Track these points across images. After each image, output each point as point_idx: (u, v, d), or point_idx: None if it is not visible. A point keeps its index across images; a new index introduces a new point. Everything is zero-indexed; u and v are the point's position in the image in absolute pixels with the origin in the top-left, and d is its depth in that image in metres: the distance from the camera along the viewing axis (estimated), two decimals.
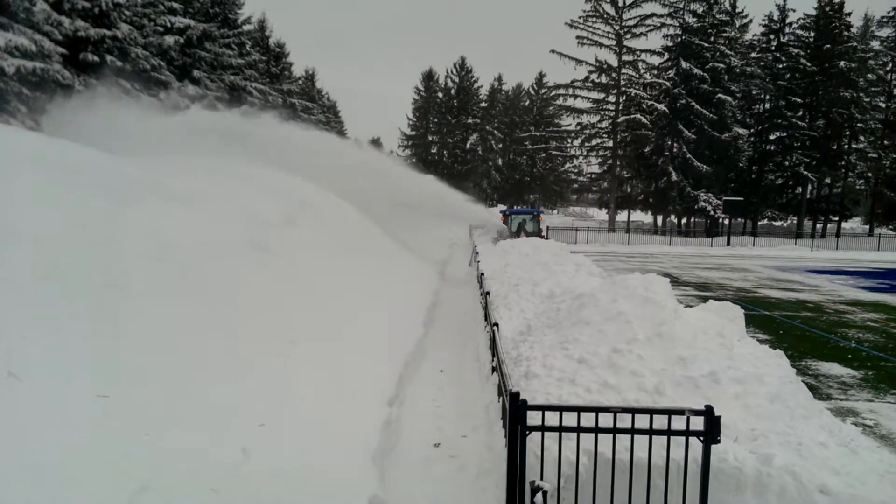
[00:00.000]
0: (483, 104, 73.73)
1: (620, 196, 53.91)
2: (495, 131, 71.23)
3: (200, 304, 6.33)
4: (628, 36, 50.92)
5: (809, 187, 49.75)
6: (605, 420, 3.92)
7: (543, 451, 3.98)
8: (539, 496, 3.87)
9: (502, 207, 44.83)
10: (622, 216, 56.37)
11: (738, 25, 51.91)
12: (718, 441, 3.90)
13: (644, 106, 48.09)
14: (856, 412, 7.46)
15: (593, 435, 3.96)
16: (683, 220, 52.63)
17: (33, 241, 5.64)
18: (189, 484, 3.86)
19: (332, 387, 5.91)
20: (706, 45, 46.49)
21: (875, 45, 51.40)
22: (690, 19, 48.11)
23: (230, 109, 24.22)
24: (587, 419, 3.90)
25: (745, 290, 18.75)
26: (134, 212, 7.44)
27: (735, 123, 46.76)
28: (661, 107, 46.55)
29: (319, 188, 14.93)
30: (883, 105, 49.53)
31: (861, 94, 47.09)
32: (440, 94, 75.25)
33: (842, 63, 44.77)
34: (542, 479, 3.98)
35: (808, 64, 46.32)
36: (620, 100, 51.71)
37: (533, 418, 3.92)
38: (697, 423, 3.86)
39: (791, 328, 12.87)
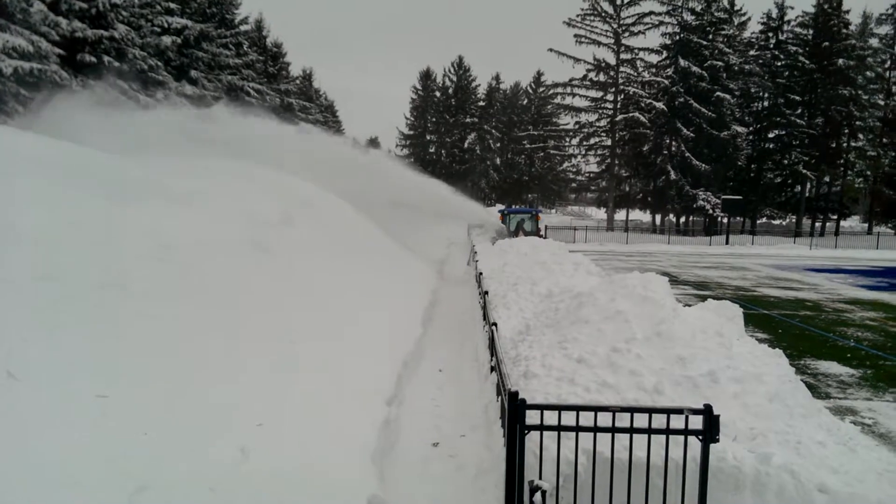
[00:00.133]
0: (481, 103, 73.71)
1: (619, 195, 53.94)
2: (493, 130, 71.22)
3: (200, 304, 6.34)
4: (626, 34, 50.95)
5: (808, 186, 49.83)
6: (604, 419, 3.93)
7: (542, 451, 3.99)
8: (538, 495, 3.88)
9: (500, 207, 44.80)
10: (621, 215, 56.40)
11: (736, 23, 51.93)
12: (717, 440, 3.90)
13: (642, 104, 48.10)
14: (854, 411, 7.47)
15: (592, 434, 3.97)
16: (682, 219, 52.67)
17: (33, 242, 5.65)
18: (188, 484, 3.86)
19: (331, 386, 5.92)
20: (705, 42, 46.51)
21: (874, 42, 51.42)
22: (689, 17, 48.13)
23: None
24: (586, 418, 3.91)
25: (743, 289, 18.77)
26: (134, 212, 7.44)
27: (734, 122, 46.79)
28: (660, 105, 46.56)
29: (319, 188, 14.94)
30: (882, 103, 49.57)
31: (860, 92, 47.15)
32: (438, 94, 75.22)
33: (840, 61, 44.82)
34: (540, 478, 3.99)
35: (807, 62, 46.37)
36: (619, 98, 51.74)
37: (532, 417, 3.93)
38: (696, 423, 3.87)
39: (790, 327, 12.88)
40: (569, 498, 4.12)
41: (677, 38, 48.37)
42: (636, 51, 51.71)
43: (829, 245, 39.84)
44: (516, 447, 3.91)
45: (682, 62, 46.12)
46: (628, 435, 3.89)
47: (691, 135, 46.00)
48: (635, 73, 52.30)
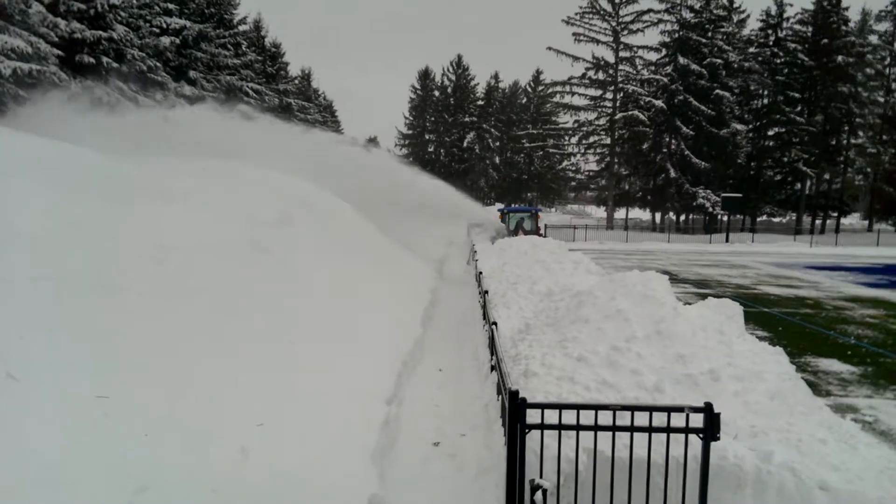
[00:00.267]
0: (480, 102, 73.70)
1: (618, 193, 53.92)
2: (492, 129, 71.21)
3: (200, 305, 6.33)
4: (625, 32, 50.96)
5: (808, 183, 49.81)
6: (605, 418, 3.92)
7: (543, 450, 3.98)
8: (539, 494, 3.87)
9: (500, 206, 44.80)
10: (620, 214, 56.39)
11: (735, 21, 51.93)
12: (718, 438, 3.89)
13: (641, 102, 48.09)
14: (855, 408, 7.47)
15: (593, 433, 3.96)
16: (682, 217, 52.66)
17: (31, 242, 5.64)
18: (189, 484, 3.86)
19: (330, 386, 5.91)
20: (704, 40, 46.49)
21: (873, 39, 51.39)
22: (688, 15, 48.10)
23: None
24: (586, 417, 3.90)
25: (744, 287, 18.76)
26: (132, 212, 7.43)
27: (733, 119, 46.77)
28: (659, 103, 46.54)
29: (318, 188, 14.92)
30: (881, 100, 49.53)
31: (859, 89, 47.15)
32: (437, 93, 75.22)
33: (840, 58, 44.80)
34: (541, 477, 3.98)
35: (807, 59, 46.35)
36: (618, 97, 51.74)
37: (532, 416, 3.92)
38: (697, 421, 3.86)
39: (790, 325, 12.87)
40: (570, 497, 4.11)
41: (676, 35, 48.35)
42: (635, 49, 51.75)
43: (830, 242, 39.84)
44: (517, 446, 3.90)
45: (681, 60, 46.09)
46: (629, 433, 3.88)
47: (691, 133, 45.98)
48: (634, 72, 52.32)
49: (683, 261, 27.92)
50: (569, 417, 3.95)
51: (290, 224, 10.44)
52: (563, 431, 3.98)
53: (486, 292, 9.86)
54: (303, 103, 51.75)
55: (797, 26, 49.02)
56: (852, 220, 63.15)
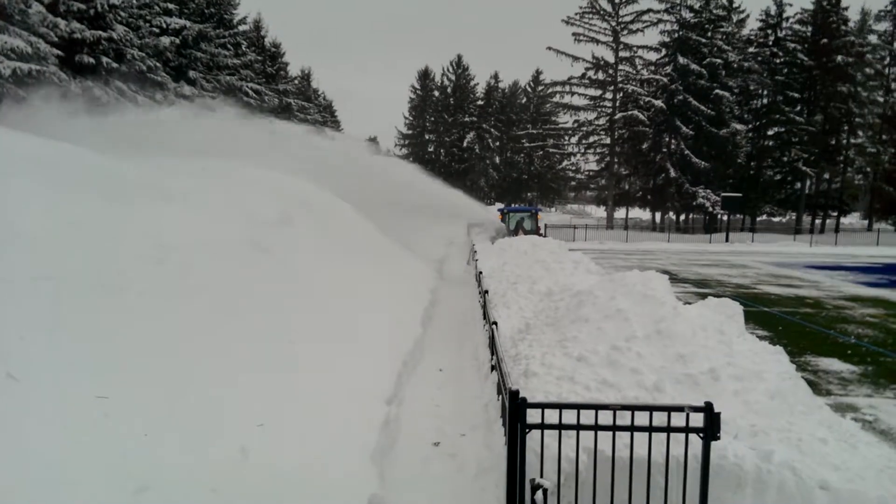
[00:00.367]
0: (480, 102, 73.72)
1: (618, 193, 53.93)
2: (492, 129, 71.22)
3: (200, 304, 6.32)
4: (625, 32, 50.98)
5: (808, 183, 49.82)
6: (605, 417, 3.92)
7: (543, 449, 3.98)
8: (539, 494, 3.87)
9: (500, 205, 44.80)
10: (620, 213, 56.39)
11: (735, 20, 51.94)
12: (718, 438, 3.89)
13: (641, 102, 48.10)
14: (855, 408, 7.47)
15: (593, 432, 3.96)
16: (682, 217, 52.68)
17: (31, 242, 5.63)
18: (189, 484, 3.85)
19: (330, 386, 5.91)
20: (703, 40, 46.50)
21: (873, 39, 51.38)
22: (687, 15, 48.11)
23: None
24: (587, 417, 3.90)
25: (744, 287, 18.77)
26: (132, 212, 7.43)
27: (733, 119, 46.78)
28: (659, 103, 46.55)
29: (318, 188, 14.91)
30: (881, 99, 49.54)
31: (859, 89, 47.15)
32: (437, 93, 75.23)
33: (839, 57, 44.80)
34: (541, 476, 3.98)
35: (806, 59, 46.36)
36: (617, 96, 51.76)
37: (532, 416, 3.92)
38: (697, 420, 3.86)
39: (790, 324, 12.87)
40: (570, 496, 4.11)
41: (676, 35, 48.36)
42: (635, 49, 51.76)
43: (830, 242, 39.85)
44: (517, 446, 3.90)
45: (680, 60, 46.10)
46: (629, 433, 3.88)
47: (690, 133, 45.99)
48: (634, 72, 52.34)
49: (683, 260, 27.93)
50: (569, 417, 3.95)
51: (290, 224, 10.44)
52: (563, 431, 3.98)
53: (486, 292, 9.86)
54: (302, 103, 51.76)
55: (797, 26, 49.03)
56: (852, 219, 63.16)
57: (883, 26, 50.63)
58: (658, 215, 55.09)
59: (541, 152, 69.07)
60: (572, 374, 5.62)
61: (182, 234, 7.62)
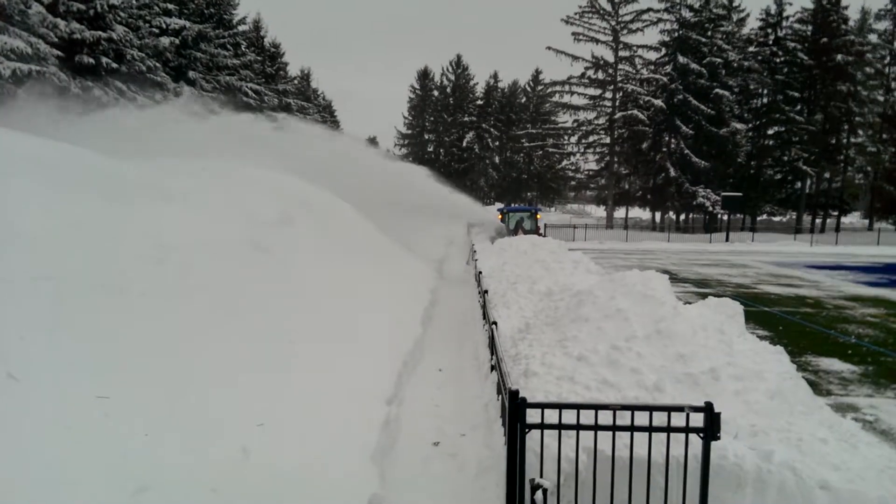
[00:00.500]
0: (479, 102, 73.70)
1: (618, 193, 53.91)
2: (492, 129, 71.20)
3: (200, 305, 6.33)
4: (624, 31, 50.95)
5: (808, 182, 49.81)
6: (605, 417, 3.92)
7: (543, 449, 3.98)
8: (539, 494, 3.87)
9: (500, 205, 44.77)
10: (620, 213, 56.38)
11: (735, 20, 51.91)
12: (718, 438, 3.89)
13: (641, 102, 48.08)
14: (856, 408, 7.46)
15: (593, 432, 3.96)
16: (682, 217, 52.66)
17: (31, 242, 5.64)
18: (189, 484, 3.85)
19: (330, 386, 5.91)
20: (703, 39, 46.48)
21: (873, 38, 51.35)
22: (687, 14, 48.08)
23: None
24: (587, 417, 3.90)
25: (744, 287, 18.76)
26: (132, 212, 7.43)
27: (733, 118, 46.75)
28: (659, 102, 46.54)
29: (318, 187, 14.91)
30: (881, 98, 49.50)
31: (859, 88, 47.12)
32: (436, 93, 75.23)
33: (839, 57, 44.78)
34: (541, 476, 3.98)
35: (806, 58, 46.33)
36: (617, 96, 51.73)
37: (532, 416, 3.92)
38: (697, 420, 3.86)
39: (791, 324, 12.87)
40: (570, 496, 4.11)
41: (676, 34, 48.32)
42: (634, 48, 51.73)
43: (830, 241, 39.83)
44: (517, 446, 3.90)
45: (680, 59, 46.08)
46: (629, 433, 3.88)
47: (690, 132, 45.97)
48: (634, 71, 52.31)
49: (683, 260, 27.92)
50: (569, 417, 3.95)
51: (289, 224, 10.44)
52: (563, 431, 3.98)
53: (486, 292, 9.86)
54: (302, 103, 51.75)
55: (797, 25, 49.00)
56: (852, 218, 63.12)
57: (883, 25, 50.63)
58: (658, 215, 55.07)
59: (540, 152, 69.03)
60: (572, 374, 5.62)
61: (182, 234, 7.62)
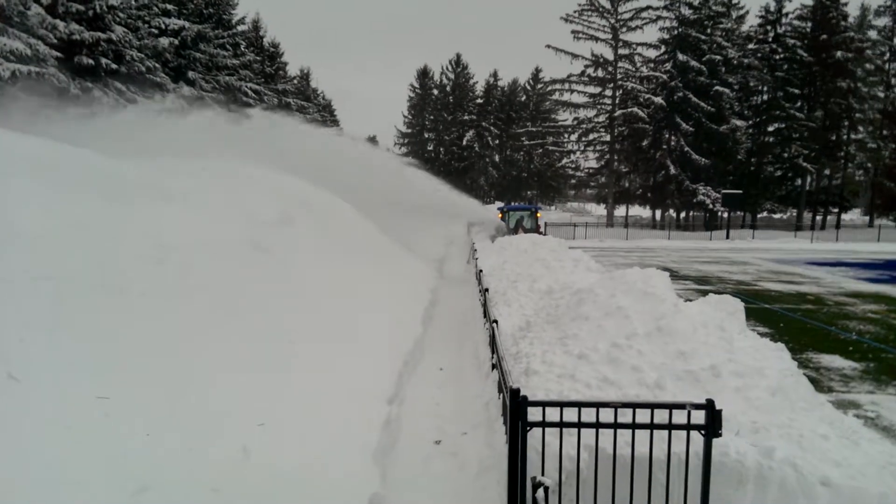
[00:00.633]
0: (479, 100, 73.66)
1: (618, 191, 53.89)
2: (492, 127, 71.17)
3: (200, 305, 6.33)
4: (624, 29, 50.90)
5: (808, 179, 49.76)
6: (606, 415, 3.91)
7: (544, 447, 3.97)
8: (540, 492, 3.86)
9: (500, 204, 44.74)
10: (620, 211, 56.36)
11: (734, 17, 51.83)
12: (720, 435, 3.88)
13: (641, 99, 48.05)
14: (857, 404, 7.46)
15: (594, 430, 3.95)
16: (682, 214, 52.63)
17: (31, 242, 5.64)
18: (189, 484, 3.85)
19: (331, 386, 5.91)
20: (703, 37, 46.43)
21: (872, 34, 51.30)
22: (687, 11, 48.02)
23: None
24: (588, 414, 3.89)
25: (744, 284, 18.75)
26: (132, 212, 7.43)
27: (733, 115, 46.73)
28: (658, 100, 46.49)
29: (318, 187, 14.91)
30: (881, 95, 49.45)
31: (859, 85, 47.08)
32: (436, 91, 75.18)
33: (839, 53, 44.72)
34: (543, 475, 3.97)
35: (806, 55, 46.27)
36: (617, 94, 51.69)
37: (533, 414, 3.91)
38: (698, 417, 3.85)
39: (792, 321, 12.86)
40: (571, 494, 4.11)
41: (675, 32, 48.29)
42: (634, 46, 51.68)
43: (831, 238, 39.80)
44: (518, 444, 3.89)
45: (680, 57, 46.05)
46: (630, 431, 3.87)
47: (690, 129, 45.93)
48: (633, 69, 52.27)
49: (684, 258, 27.91)
50: (570, 415, 3.94)
51: (289, 224, 10.44)
52: (564, 429, 3.97)
53: (487, 290, 9.85)
54: (301, 103, 51.74)
55: (796, 22, 48.93)
56: (853, 215, 63.08)
57: (882, 21, 50.57)
58: (658, 213, 55.05)
59: (540, 150, 69.00)
60: (573, 372, 5.61)
61: (182, 234, 7.62)
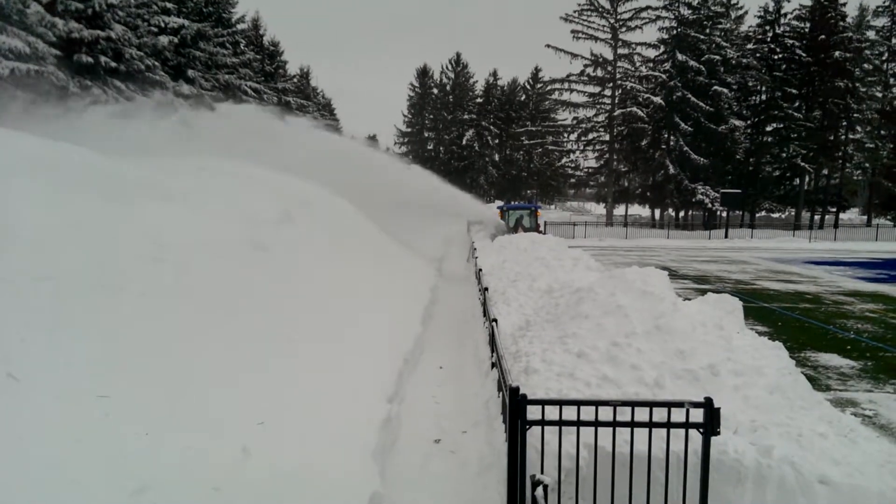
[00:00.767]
0: (479, 100, 73.60)
1: (618, 190, 53.94)
2: (491, 127, 71.11)
3: (199, 304, 6.33)
4: (623, 29, 50.96)
5: (807, 178, 49.80)
6: (605, 413, 3.92)
7: (544, 446, 3.99)
8: (540, 490, 3.87)
9: (500, 203, 44.74)
10: (620, 210, 56.43)
11: (733, 17, 51.92)
12: (718, 433, 3.90)
13: (640, 99, 48.09)
14: (855, 403, 7.48)
15: (593, 428, 3.96)
16: (681, 214, 52.67)
17: (31, 242, 5.63)
18: (189, 484, 3.85)
19: (331, 385, 5.91)
20: (702, 37, 46.47)
21: (871, 34, 51.37)
22: (686, 11, 48.08)
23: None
24: (587, 413, 3.90)
25: (743, 283, 18.78)
26: (132, 212, 7.43)
27: (731, 115, 46.76)
28: (658, 100, 46.53)
29: (318, 186, 14.91)
30: (879, 95, 49.54)
31: (857, 85, 47.11)
32: (435, 91, 75.16)
33: (837, 53, 44.75)
34: (542, 473, 3.98)
35: (804, 55, 46.30)
36: (616, 93, 51.76)
37: (533, 413, 3.92)
38: (697, 416, 3.86)
39: (790, 320, 12.89)
40: (571, 492, 4.12)
41: (674, 32, 48.32)
42: (633, 46, 51.75)
43: (829, 238, 39.86)
44: (518, 442, 3.91)
45: (679, 57, 46.07)
46: (629, 429, 3.89)
47: (689, 129, 45.97)
48: (633, 68, 52.33)
49: (683, 257, 27.93)
50: (569, 413, 3.96)
51: (289, 223, 10.44)
52: (563, 427, 3.98)
53: (486, 289, 9.86)
54: (301, 102, 51.69)
55: (795, 22, 48.97)
56: (851, 215, 63.17)
57: (881, 22, 50.70)
58: (657, 212, 55.10)
59: (540, 149, 68.97)
60: (572, 371, 5.62)
61: (182, 233, 7.62)
